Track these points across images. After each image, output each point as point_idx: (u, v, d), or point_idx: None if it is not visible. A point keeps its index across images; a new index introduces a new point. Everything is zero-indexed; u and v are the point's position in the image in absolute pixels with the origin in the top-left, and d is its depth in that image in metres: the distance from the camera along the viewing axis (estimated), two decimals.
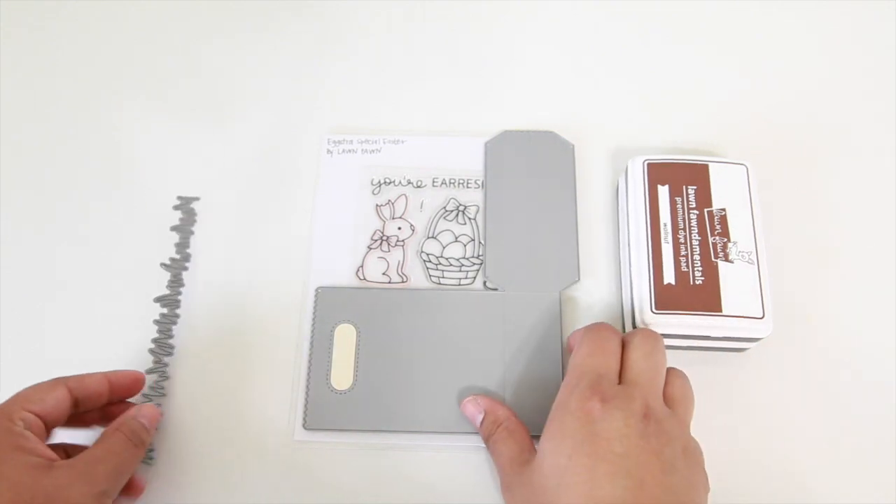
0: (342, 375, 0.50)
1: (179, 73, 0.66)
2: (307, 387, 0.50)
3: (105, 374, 0.46)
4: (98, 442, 0.42)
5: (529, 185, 0.56)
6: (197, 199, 0.60)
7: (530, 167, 0.57)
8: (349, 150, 0.59)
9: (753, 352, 0.50)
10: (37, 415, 0.41)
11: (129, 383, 0.48)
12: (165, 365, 0.54)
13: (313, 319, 0.52)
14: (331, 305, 0.52)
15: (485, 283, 0.54)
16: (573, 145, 0.57)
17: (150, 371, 0.53)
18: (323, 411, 0.49)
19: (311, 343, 0.51)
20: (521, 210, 0.55)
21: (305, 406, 0.49)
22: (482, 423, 0.46)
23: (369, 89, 0.64)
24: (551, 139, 0.58)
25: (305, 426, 0.49)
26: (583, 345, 0.42)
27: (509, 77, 0.63)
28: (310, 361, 0.51)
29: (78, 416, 0.46)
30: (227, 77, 0.65)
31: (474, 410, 0.47)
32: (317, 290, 0.53)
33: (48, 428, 0.42)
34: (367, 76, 0.64)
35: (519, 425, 0.45)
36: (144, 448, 0.45)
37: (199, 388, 0.53)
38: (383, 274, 0.55)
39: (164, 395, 0.53)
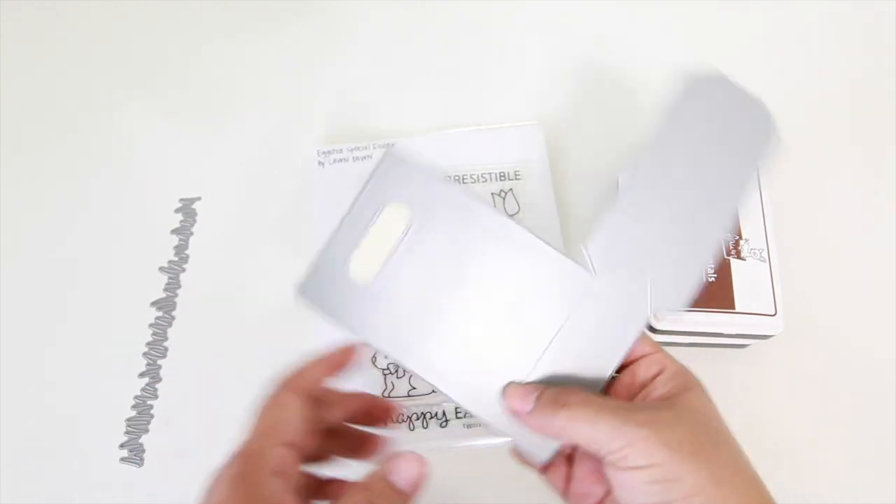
0: (365, 262, 0.39)
1: (180, 73, 0.65)
2: (321, 250, 0.39)
3: (319, 360, 0.38)
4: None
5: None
6: (198, 198, 0.59)
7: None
8: (340, 160, 0.58)
9: (763, 348, 0.50)
10: (289, 444, 0.34)
11: (342, 361, 0.39)
12: (159, 367, 0.53)
13: (368, 179, 0.40)
14: (396, 178, 0.40)
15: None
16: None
17: (142, 374, 0.52)
18: (325, 288, 0.39)
19: (352, 207, 0.40)
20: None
21: (308, 271, 0.39)
22: (534, 412, 0.36)
23: (369, 89, 0.63)
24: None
25: (300, 292, 0.39)
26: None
27: (507, 72, 0.63)
28: (340, 225, 0.39)
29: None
30: (227, 78, 0.64)
31: (517, 400, 0.37)
32: (389, 146, 0.41)
33: (298, 451, 0.35)
34: (366, 76, 0.64)
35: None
36: None
37: (193, 389, 0.52)
38: None
39: (156, 396, 0.52)
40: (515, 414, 0.37)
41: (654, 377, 0.37)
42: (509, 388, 0.37)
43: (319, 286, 0.39)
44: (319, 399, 0.36)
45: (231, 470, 0.32)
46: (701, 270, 0.38)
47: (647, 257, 0.39)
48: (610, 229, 0.39)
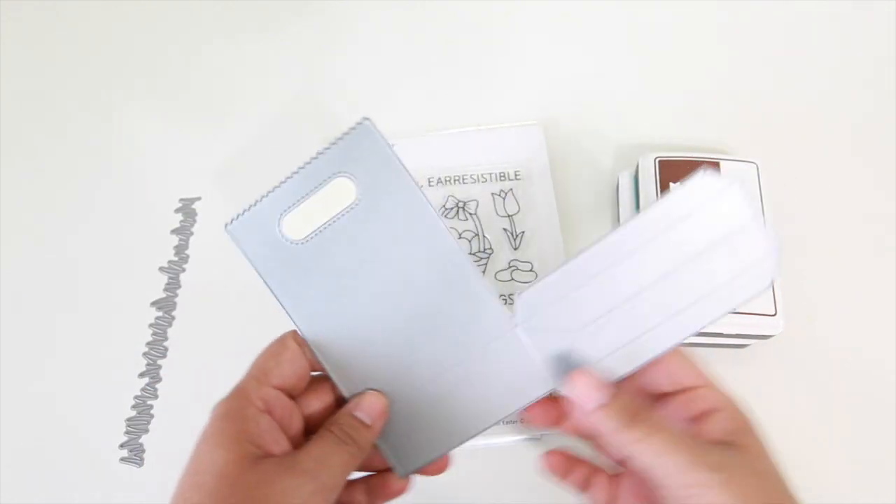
0: (298, 225, 0.38)
1: (180, 73, 0.65)
2: (262, 196, 0.38)
3: None
4: (311, 441, 0.35)
5: None
6: (198, 198, 0.59)
7: None
8: None
9: (763, 348, 0.50)
10: (280, 388, 0.36)
11: None
12: (159, 367, 0.53)
13: (335, 142, 0.38)
14: (362, 150, 0.38)
15: None
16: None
17: (142, 374, 0.52)
18: (253, 231, 0.38)
19: (307, 164, 0.39)
20: None
21: (243, 209, 0.38)
22: (606, 408, 0.34)
23: (369, 89, 0.63)
24: None
25: (227, 226, 0.38)
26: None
27: (507, 72, 0.63)
28: (288, 178, 0.38)
29: None
30: (227, 78, 0.64)
31: (589, 388, 0.35)
32: (364, 119, 0.39)
33: (296, 396, 0.37)
34: (366, 76, 0.64)
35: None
36: (361, 447, 0.36)
37: (193, 389, 0.52)
38: None
39: (156, 396, 0.51)
40: (579, 400, 0.35)
41: (708, 414, 0.35)
42: (583, 372, 0.35)
43: (249, 227, 0.38)
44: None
45: (219, 409, 0.34)
46: (623, 375, 0.35)
47: (575, 333, 0.36)
48: (551, 287, 0.36)
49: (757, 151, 0.54)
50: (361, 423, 0.36)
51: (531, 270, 0.54)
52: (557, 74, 0.62)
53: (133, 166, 0.60)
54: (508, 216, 0.56)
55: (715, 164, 0.51)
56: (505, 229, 0.55)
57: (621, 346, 0.35)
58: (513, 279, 0.53)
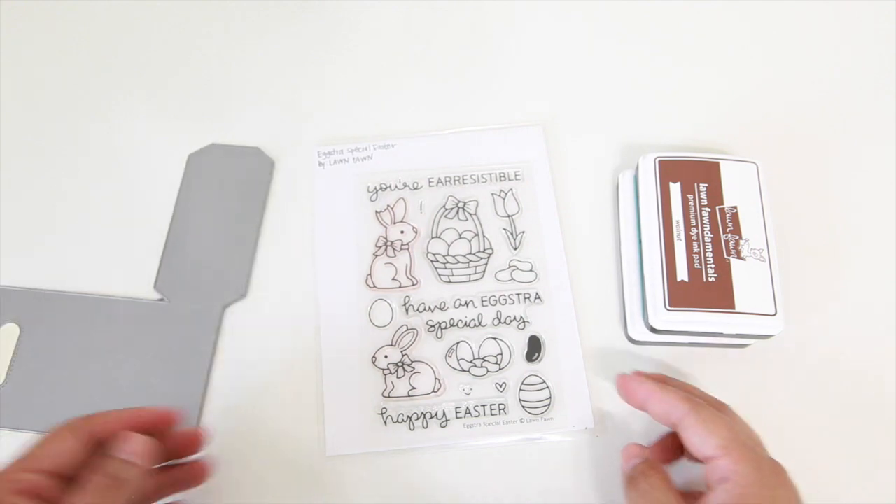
0: None
1: (180, 73, 0.65)
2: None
3: (131, 412, 0.41)
4: (74, 492, 0.36)
5: (223, 200, 0.57)
6: None
7: (228, 182, 0.58)
8: (341, 160, 0.59)
9: (763, 348, 0.50)
10: (40, 471, 0.36)
11: (156, 421, 0.42)
12: None
13: None
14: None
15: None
16: (273, 161, 0.59)
17: None
18: None
19: None
20: (206, 224, 0.56)
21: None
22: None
23: (370, 89, 0.63)
24: (255, 155, 0.59)
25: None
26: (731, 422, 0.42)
27: (507, 72, 0.63)
28: None
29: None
30: (227, 78, 0.64)
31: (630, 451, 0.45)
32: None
33: (68, 476, 0.38)
34: (366, 76, 0.63)
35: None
36: (131, 485, 0.37)
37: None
38: (392, 279, 0.54)
39: None
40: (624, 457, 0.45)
41: (718, 483, 0.38)
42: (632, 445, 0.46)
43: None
44: (103, 433, 0.39)
45: None
46: None
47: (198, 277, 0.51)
48: (167, 267, 0.52)
49: (757, 151, 0.54)
50: (128, 463, 0.37)
51: (531, 270, 0.54)
52: (557, 74, 0.62)
53: (132, 166, 0.60)
54: (508, 216, 0.56)
55: (715, 164, 0.51)
56: (505, 229, 0.55)
57: None
58: (513, 279, 0.53)
